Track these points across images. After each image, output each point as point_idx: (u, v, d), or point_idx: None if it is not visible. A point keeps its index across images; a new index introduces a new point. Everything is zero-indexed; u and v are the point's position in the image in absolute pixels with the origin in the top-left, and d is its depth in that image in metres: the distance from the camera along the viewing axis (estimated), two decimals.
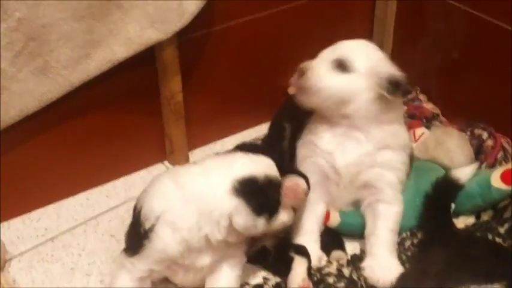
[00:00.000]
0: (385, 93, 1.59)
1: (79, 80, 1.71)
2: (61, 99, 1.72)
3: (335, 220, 1.72)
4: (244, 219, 1.47)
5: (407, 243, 1.69)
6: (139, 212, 1.55)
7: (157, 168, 2.01)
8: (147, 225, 1.51)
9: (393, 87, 1.59)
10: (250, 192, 1.47)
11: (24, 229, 1.83)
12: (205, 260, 1.54)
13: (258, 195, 1.48)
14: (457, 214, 1.73)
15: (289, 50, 2.04)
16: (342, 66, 1.61)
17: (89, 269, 1.73)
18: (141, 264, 1.53)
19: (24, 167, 1.80)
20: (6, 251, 1.74)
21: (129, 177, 1.99)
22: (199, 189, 1.50)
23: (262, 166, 1.52)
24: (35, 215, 1.87)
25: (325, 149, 1.68)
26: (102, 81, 1.77)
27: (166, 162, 2.04)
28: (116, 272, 1.58)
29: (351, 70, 1.61)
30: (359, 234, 1.71)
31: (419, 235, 1.70)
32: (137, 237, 1.54)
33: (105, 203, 1.91)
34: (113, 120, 1.88)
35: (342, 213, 1.73)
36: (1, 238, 1.74)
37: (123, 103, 1.87)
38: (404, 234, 1.70)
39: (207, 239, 1.50)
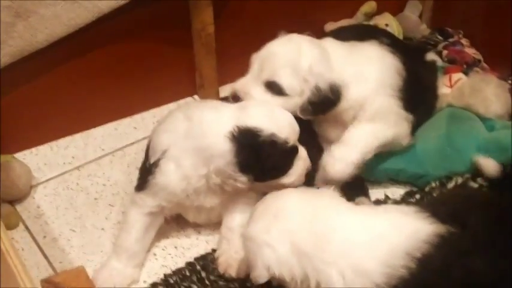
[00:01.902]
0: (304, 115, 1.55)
1: (108, 6, 1.68)
2: (91, 26, 1.70)
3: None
4: (226, 168, 1.43)
5: (436, 192, 1.65)
6: (149, 144, 1.55)
7: (187, 102, 1.99)
8: (152, 160, 1.50)
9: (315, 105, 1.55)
10: (244, 144, 1.42)
11: (52, 156, 1.84)
12: (213, 201, 1.53)
13: (251, 151, 1.42)
14: None
15: None
16: (273, 88, 1.55)
17: (113, 199, 1.74)
18: (148, 200, 1.52)
19: (54, 93, 1.80)
20: (32, 177, 1.75)
21: (158, 109, 1.97)
22: (202, 123, 1.46)
23: (277, 124, 1.45)
24: (62, 143, 1.87)
25: None
26: (132, 10, 1.73)
27: (196, 97, 2.01)
28: (128, 208, 1.58)
29: (283, 93, 1.55)
30: (385, 178, 1.69)
31: (448, 185, 1.65)
32: (144, 172, 1.54)
33: (133, 135, 1.90)
34: (143, 51, 1.85)
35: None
36: (28, 164, 1.75)
37: (153, 34, 1.84)
38: (433, 184, 1.66)
39: (206, 181, 1.48)
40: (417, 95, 1.70)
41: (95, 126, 1.91)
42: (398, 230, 1.25)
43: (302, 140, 1.53)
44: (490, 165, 1.62)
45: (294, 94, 1.54)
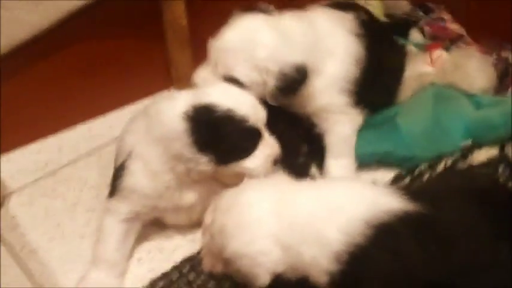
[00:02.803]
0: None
1: (73, 5, 1.60)
2: (57, 25, 1.63)
3: None
4: (184, 151, 1.37)
5: (426, 175, 1.59)
6: (117, 146, 1.51)
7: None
8: (119, 162, 1.45)
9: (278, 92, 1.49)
10: (200, 121, 1.36)
11: (24, 162, 1.76)
12: (189, 197, 1.46)
13: (207, 128, 1.36)
14: (480, 146, 1.61)
15: None
16: (233, 82, 1.47)
17: (92, 204, 1.66)
18: (121, 206, 1.47)
19: (22, 97, 1.76)
20: (4, 186, 1.68)
21: (133, 106, 1.87)
22: (159, 113, 1.42)
23: (235, 101, 1.39)
24: (34, 148, 1.79)
25: None
26: (101, 5, 1.66)
27: (172, 90, 1.91)
28: (103, 216, 1.52)
29: (243, 85, 1.47)
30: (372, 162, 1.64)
31: (438, 167, 1.59)
32: (114, 176, 1.48)
33: (109, 134, 1.81)
34: (114, 46, 1.82)
35: (358, 138, 1.63)
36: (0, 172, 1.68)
37: (124, 29, 1.81)
38: (422, 167, 1.60)
39: (175, 173, 1.42)
40: (377, 80, 1.65)
41: (67, 128, 1.83)
42: (358, 200, 1.26)
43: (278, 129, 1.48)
44: None
45: (256, 85, 1.47)
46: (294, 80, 1.48)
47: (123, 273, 1.52)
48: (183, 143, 1.37)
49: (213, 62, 1.50)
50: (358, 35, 1.59)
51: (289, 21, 1.51)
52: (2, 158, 1.75)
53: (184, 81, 1.87)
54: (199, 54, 1.82)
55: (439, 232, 1.23)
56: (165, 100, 1.44)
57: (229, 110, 1.37)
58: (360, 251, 1.21)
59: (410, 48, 1.85)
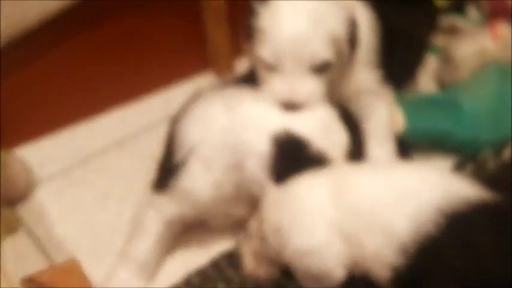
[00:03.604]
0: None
1: None
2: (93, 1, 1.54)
3: (399, 124, 1.49)
4: (258, 170, 1.25)
5: (490, 163, 1.45)
6: (173, 137, 1.35)
7: (201, 79, 1.78)
8: (177, 157, 1.30)
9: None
10: (287, 153, 1.23)
11: (54, 150, 1.65)
12: (243, 209, 1.34)
13: (291, 163, 1.23)
14: None
15: None
16: (320, 69, 1.29)
17: (125, 194, 1.55)
18: (170, 206, 1.34)
19: (52, 79, 1.68)
20: (33, 174, 1.58)
21: (168, 90, 1.77)
22: (246, 115, 1.28)
23: (329, 142, 1.27)
24: (65, 135, 1.69)
25: None
26: None
27: (209, 73, 1.80)
28: (144, 209, 1.39)
29: (330, 65, 1.30)
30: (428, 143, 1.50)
31: (505, 153, 1.45)
32: (166, 170, 1.34)
33: (143, 120, 1.71)
34: (147, 25, 1.74)
35: (410, 113, 1.50)
36: (26, 161, 1.57)
37: (159, 5, 1.67)
38: (486, 153, 1.47)
39: (238, 186, 1.29)
40: (395, 51, 1.51)
41: (99, 113, 1.72)
42: (430, 186, 1.10)
43: None
44: None
45: (337, 57, 1.32)
46: (355, 32, 1.35)
47: (152, 278, 1.39)
48: (260, 163, 1.25)
49: (290, 67, 1.29)
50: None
51: None
52: (30, 146, 1.65)
53: (221, 62, 1.77)
54: (237, 33, 1.74)
55: None
56: (256, 102, 1.29)
57: (320, 152, 1.24)
58: (431, 242, 1.05)
59: (466, 25, 1.73)
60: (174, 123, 1.38)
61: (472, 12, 1.80)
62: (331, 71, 1.31)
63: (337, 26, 1.30)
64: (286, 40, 1.27)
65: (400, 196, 1.10)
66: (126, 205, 1.52)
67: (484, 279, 1.04)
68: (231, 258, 1.38)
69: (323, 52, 1.28)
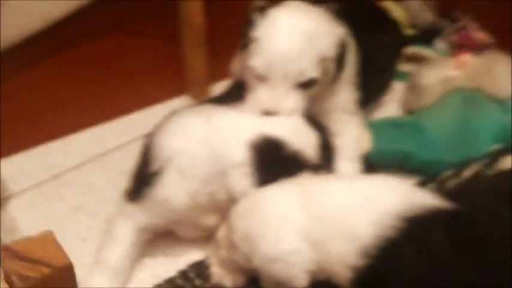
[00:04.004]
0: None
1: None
2: (67, 21, 1.58)
3: (366, 145, 1.54)
4: (241, 180, 1.28)
5: (451, 182, 1.48)
6: (149, 148, 1.38)
7: (176, 103, 1.81)
8: (154, 167, 1.33)
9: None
10: (266, 156, 1.28)
11: (28, 165, 1.68)
12: (214, 218, 1.37)
13: (272, 165, 1.28)
14: (510, 151, 1.50)
15: None
16: (306, 85, 1.37)
17: (95, 208, 1.58)
18: (141, 215, 1.37)
19: (29, 98, 1.69)
20: (4, 189, 1.59)
21: (144, 111, 1.81)
22: (223, 126, 1.32)
23: (304, 141, 1.33)
24: (39, 151, 1.72)
25: None
26: (112, 2, 1.62)
27: (185, 97, 1.84)
28: (115, 218, 1.42)
29: (316, 83, 1.38)
30: (392, 164, 1.54)
31: (464, 174, 1.49)
32: (140, 180, 1.37)
33: (117, 139, 1.74)
34: (126, 46, 1.75)
35: (376, 135, 1.55)
36: (1, 174, 1.59)
37: (137, 26, 1.73)
38: (447, 173, 1.50)
39: (213, 196, 1.33)
40: (369, 68, 1.58)
41: (75, 132, 1.76)
42: (391, 193, 1.17)
43: None
44: None
45: (324, 76, 1.39)
46: (343, 55, 1.42)
47: (126, 283, 1.41)
48: (243, 173, 1.28)
49: (276, 80, 1.36)
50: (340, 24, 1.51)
51: (308, 7, 1.42)
52: (3, 161, 1.66)
53: (197, 86, 1.81)
54: (214, 57, 1.79)
55: (473, 232, 1.13)
56: (231, 112, 1.35)
57: (297, 151, 1.30)
58: (390, 244, 1.11)
59: (432, 54, 1.83)
60: (150, 136, 1.41)
61: (439, 43, 1.89)
62: (316, 88, 1.38)
63: (327, 46, 1.38)
64: (278, 54, 1.34)
65: (363, 204, 1.16)
66: (96, 218, 1.55)
67: (439, 280, 1.08)
68: (200, 268, 1.41)
69: (311, 71, 1.35)
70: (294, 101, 1.36)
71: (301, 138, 1.32)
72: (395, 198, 1.15)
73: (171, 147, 1.34)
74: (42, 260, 1.04)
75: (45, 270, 1.04)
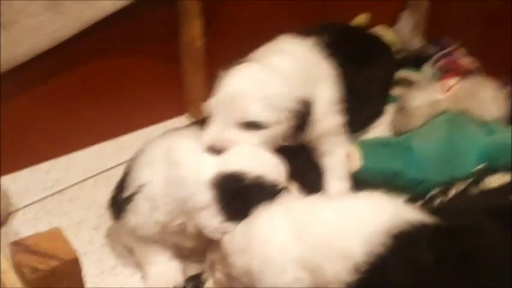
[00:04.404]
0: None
1: (94, 16, 1.62)
2: (74, 40, 1.64)
3: (356, 163, 1.61)
4: (210, 220, 1.32)
5: (438, 200, 1.56)
6: (126, 173, 1.45)
7: (177, 122, 1.90)
8: (127, 193, 1.41)
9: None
10: (229, 191, 1.31)
11: (32, 181, 1.75)
12: (192, 243, 1.44)
13: (237, 198, 1.31)
14: (494, 171, 1.58)
15: None
16: (251, 126, 1.40)
17: (97, 222, 1.64)
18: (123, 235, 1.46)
19: (34, 115, 1.72)
20: (10, 203, 1.66)
21: (145, 130, 1.88)
22: (182, 169, 1.35)
23: (264, 166, 1.35)
24: (44, 167, 1.78)
25: None
26: (118, 22, 1.68)
27: (186, 116, 1.93)
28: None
29: (262, 127, 1.41)
30: (380, 181, 1.59)
31: (450, 192, 1.56)
32: (116, 204, 1.45)
33: (119, 157, 1.80)
34: (128, 66, 1.79)
35: (366, 153, 1.61)
36: (6, 190, 1.65)
37: (140, 48, 1.78)
38: (434, 191, 1.57)
39: (182, 229, 1.39)
40: (355, 98, 1.64)
41: (78, 150, 1.83)
42: (379, 211, 1.22)
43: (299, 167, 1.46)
44: None
45: (274, 124, 1.42)
46: (304, 115, 1.45)
47: (176, 259, 1.50)
48: (210, 213, 1.32)
49: (220, 117, 1.41)
50: (328, 57, 1.59)
51: (279, 60, 1.48)
52: (9, 176, 1.73)
53: (197, 106, 1.87)
54: (214, 78, 1.85)
55: (459, 246, 1.19)
56: (190, 153, 1.37)
57: (258, 177, 1.33)
58: (379, 260, 1.16)
59: (421, 78, 1.91)
60: (131, 161, 1.48)
61: (427, 68, 1.97)
62: (272, 131, 1.41)
63: (280, 96, 1.41)
64: (223, 95, 1.41)
65: (353, 223, 1.21)
66: (98, 232, 1.62)
67: None
68: (197, 282, 1.48)
69: (255, 113, 1.39)
70: (236, 136, 1.39)
71: (259, 164, 1.35)
72: (382, 215, 1.20)
73: (142, 176, 1.40)
74: (51, 253, 1.12)
75: (54, 263, 1.11)
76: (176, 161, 1.36)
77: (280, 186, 1.34)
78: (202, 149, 1.36)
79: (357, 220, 1.22)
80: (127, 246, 1.54)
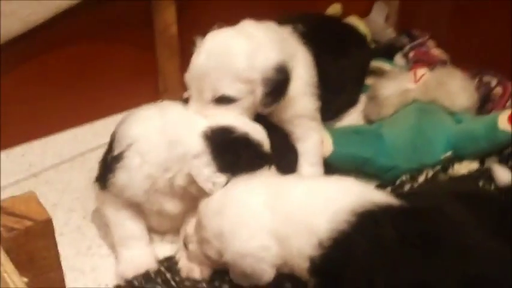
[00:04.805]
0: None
1: (66, 2, 1.63)
2: (47, 26, 1.65)
3: (327, 149, 1.65)
4: (203, 169, 1.37)
5: (407, 186, 1.60)
6: (113, 137, 1.48)
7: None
8: (116, 152, 1.43)
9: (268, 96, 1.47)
10: (220, 143, 1.38)
11: (7, 164, 1.75)
12: (175, 206, 1.47)
13: (227, 149, 1.38)
14: (461, 158, 1.64)
15: None
16: (224, 101, 1.45)
17: (73, 205, 1.66)
18: (115, 199, 1.46)
19: (8, 99, 1.72)
20: None
21: (121, 115, 1.81)
22: (177, 119, 1.42)
23: (250, 127, 1.43)
24: (19, 150, 1.80)
25: None
26: (91, 9, 1.69)
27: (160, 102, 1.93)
28: (101, 207, 1.52)
29: (235, 100, 1.45)
30: (352, 167, 1.65)
31: (419, 179, 1.61)
32: (105, 167, 1.47)
33: (94, 141, 1.82)
34: (104, 52, 1.81)
35: (337, 140, 1.65)
36: None
37: (113, 34, 1.79)
38: (403, 177, 1.62)
39: (171, 182, 1.42)
40: (332, 89, 1.70)
41: (54, 133, 1.84)
42: (346, 192, 1.28)
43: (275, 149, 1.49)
44: (503, 174, 1.57)
45: (246, 97, 1.46)
46: (280, 81, 1.47)
47: (150, 244, 1.52)
48: (202, 162, 1.37)
49: (196, 94, 1.46)
50: (304, 44, 1.63)
51: (254, 29, 1.50)
52: None
53: (171, 93, 1.90)
54: (187, 66, 1.88)
55: (422, 226, 1.24)
56: (182, 110, 1.45)
57: (246, 133, 1.40)
58: (343, 236, 1.22)
59: (392, 68, 1.95)
60: (117, 126, 1.51)
61: (399, 58, 2.01)
62: (245, 103, 1.46)
63: (249, 68, 1.44)
64: (194, 71, 1.46)
65: (321, 202, 1.27)
66: (73, 214, 1.64)
67: (387, 268, 1.20)
68: (170, 263, 1.49)
69: (223, 88, 1.43)
70: (214, 112, 1.44)
71: (248, 125, 1.43)
72: (349, 196, 1.27)
73: (131, 134, 1.44)
74: (26, 214, 1.15)
75: (28, 223, 1.14)
76: (170, 118, 1.42)
77: (264, 149, 1.42)
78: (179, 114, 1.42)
79: (325, 199, 1.28)
80: (103, 228, 1.56)
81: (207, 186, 1.38)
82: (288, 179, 1.39)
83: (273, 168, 1.45)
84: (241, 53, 1.44)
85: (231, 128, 1.40)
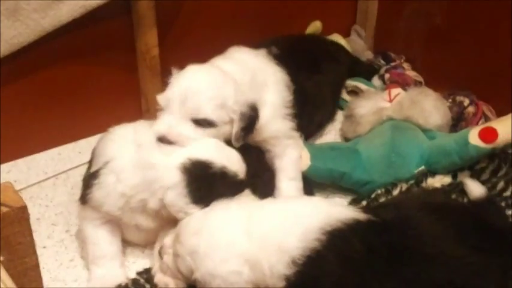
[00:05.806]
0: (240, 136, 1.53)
1: (51, 25, 1.67)
2: (32, 47, 1.69)
3: (305, 163, 1.69)
4: (177, 201, 1.42)
5: (382, 199, 1.65)
6: (93, 154, 1.53)
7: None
8: (93, 168, 1.47)
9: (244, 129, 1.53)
10: (197, 176, 1.42)
11: None
12: (148, 223, 1.51)
13: (203, 183, 1.42)
14: (434, 172, 1.70)
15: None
16: (203, 123, 1.49)
17: (56, 219, 1.70)
18: (94, 214, 1.50)
19: None
20: None
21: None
22: (151, 142, 1.45)
23: (228, 159, 1.46)
24: (4, 168, 1.83)
25: None
26: (75, 30, 1.74)
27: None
28: (80, 222, 1.56)
29: (214, 125, 1.50)
30: (329, 181, 1.71)
31: (394, 192, 1.66)
32: (85, 183, 1.51)
33: (77, 159, 1.87)
34: (87, 73, 1.85)
35: (315, 154, 1.70)
36: None
37: (97, 56, 1.84)
38: (378, 191, 1.67)
39: (144, 203, 1.46)
40: (306, 104, 1.76)
41: (38, 151, 1.88)
42: (315, 211, 1.35)
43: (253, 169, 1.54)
44: (475, 188, 1.60)
45: (224, 124, 1.51)
46: (252, 118, 1.54)
47: (123, 264, 1.56)
48: (177, 192, 1.41)
49: (175, 109, 1.48)
50: (278, 65, 1.68)
51: (229, 66, 1.57)
52: None
53: (153, 113, 1.93)
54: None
55: (390, 238, 1.30)
56: (156, 146, 1.45)
57: (223, 167, 1.44)
58: (315, 253, 1.28)
59: (368, 88, 2.01)
60: (97, 143, 1.56)
61: (376, 80, 2.07)
62: (220, 131, 1.50)
63: (231, 97, 1.50)
64: (178, 90, 1.49)
65: (292, 222, 1.33)
66: (56, 228, 1.67)
67: (357, 282, 1.27)
68: (149, 274, 1.54)
69: (206, 111, 1.47)
70: (187, 131, 1.47)
71: (224, 156, 1.46)
72: (318, 215, 1.33)
73: (107, 152, 1.48)
74: (2, 201, 1.24)
75: (4, 209, 1.23)
76: (144, 145, 1.45)
77: (240, 178, 1.46)
78: (153, 138, 1.44)
79: (295, 219, 1.34)
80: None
81: (179, 215, 1.43)
82: (263, 203, 1.44)
83: (248, 192, 1.49)
84: (230, 84, 1.51)
85: (209, 163, 1.43)
